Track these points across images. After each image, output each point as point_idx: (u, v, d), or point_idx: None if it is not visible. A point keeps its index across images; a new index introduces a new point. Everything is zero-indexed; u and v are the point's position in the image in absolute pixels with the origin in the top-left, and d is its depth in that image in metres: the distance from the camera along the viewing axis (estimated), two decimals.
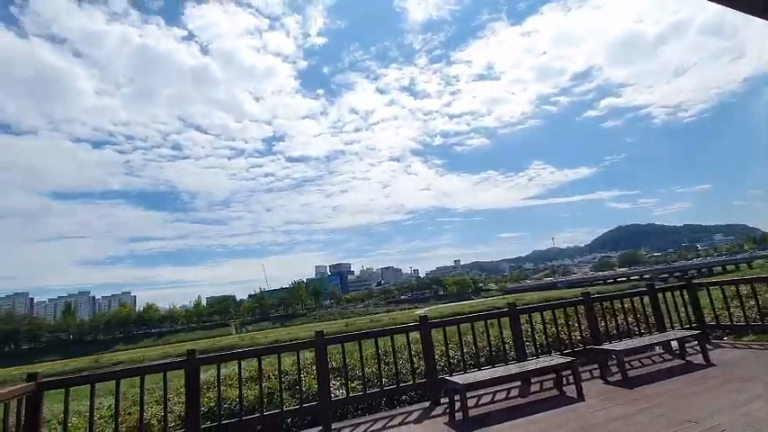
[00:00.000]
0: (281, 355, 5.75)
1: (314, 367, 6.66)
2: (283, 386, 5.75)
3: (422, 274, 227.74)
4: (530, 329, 7.34)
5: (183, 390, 6.98)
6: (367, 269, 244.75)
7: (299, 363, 5.77)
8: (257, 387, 5.78)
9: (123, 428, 5.45)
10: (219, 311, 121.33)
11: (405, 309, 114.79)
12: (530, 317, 7.79)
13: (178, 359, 5.58)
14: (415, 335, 6.26)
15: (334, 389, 6.06)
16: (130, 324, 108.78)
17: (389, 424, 5.14)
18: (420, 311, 72.26)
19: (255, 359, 5.70)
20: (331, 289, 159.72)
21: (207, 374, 6.08)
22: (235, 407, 5.79)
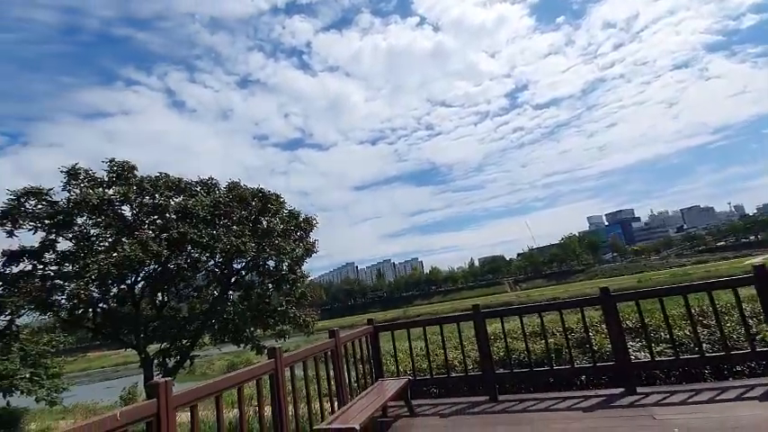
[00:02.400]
0: (563, 311, 5.54)
1: (602, 326, 6.14)
2: (570, 343, 5.55)
3: (748, 210, 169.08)
4: None
5: (473, 339, 7.77)
6: (659, 213, 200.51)
7: (584, 320, 5.42)
8: (542, 342, 5.86)
9: (434, 365, 6.60)
10: (492, 271, 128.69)
11: (727, 258, 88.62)
12: None
13: (466, 312, 6.27)
14: (748, 291, 4.77)
15: (633, 351, 5.39)
16: (422, 284, 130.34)
17: (719, 397, 4.15)
18: (756, 260, 53.29)
19: (536, 315, 5.76)
20: (611, 240, 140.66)
21: (491, 327, 6.60)
22: (523, 358, 6.03)
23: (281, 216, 11.50)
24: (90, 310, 10.11)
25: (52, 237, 10.02)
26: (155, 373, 10.22)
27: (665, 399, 4.34)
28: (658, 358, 4.99)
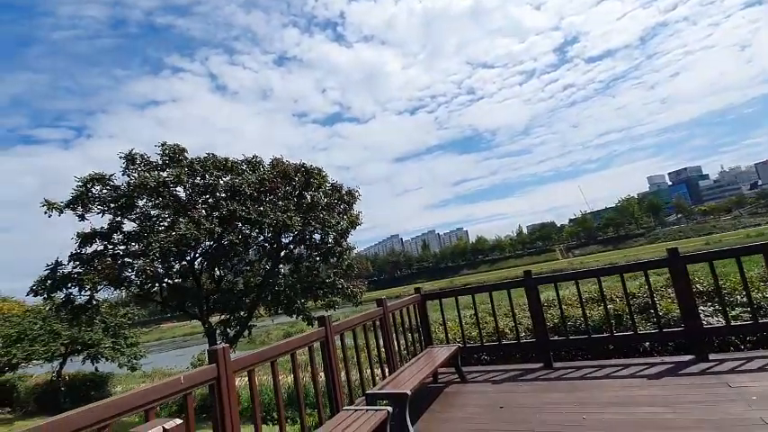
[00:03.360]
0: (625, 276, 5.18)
1: (668, 290, 5.71)
2: (633, 309, 5.21)
3: None
4: None
5: (524, 306, 7.55)
6: (730, 169, 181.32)
7: (649, 283, 5.05)
8: (600, 308, 5.56)
9: (484, 332, 6.50)
10: (541, 238, 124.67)
11: None
12: None
13: (517, 279, 6.06)
14: None
15: (704, 316, 4.98)
16: (468, 254, 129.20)
17: None
18: None
19: (593, 281, 5.43)
20: (675, 201, 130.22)
21: (544, 295, 6.33)
22: (579, 325, 5.78)
23: (324, 190, 11.62)
24: (157, 284, 10.94)
25: (118, 219, 10.82)
26: (218, 342, 10.97)
27: (740, 366, 4.00)
28: (734, 323, 4.57)
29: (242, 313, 11.25)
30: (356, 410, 3.44)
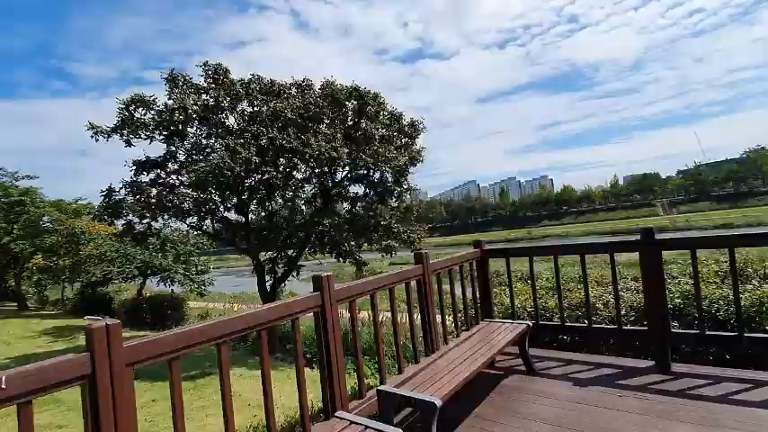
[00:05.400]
0: None
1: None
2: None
3: None
4: None
5: (628, 278, 5.53)
6: None
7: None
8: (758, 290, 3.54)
9: (566, 303, 4.86)
10: (641, 191, 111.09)
11: None
12: None
13: (627, 240, 4.14)
14: None
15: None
16: (551, 203, 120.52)
17: None
18: None
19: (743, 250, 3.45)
20: None
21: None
22: (715, 311, 3.85)
23: (382, 119, 9.95)
24: (208, 217, 10.57)
25: (173, 148, 10.41)
26: (266, 280, 10.52)
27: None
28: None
29: (290, 252, 10.56)
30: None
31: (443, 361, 3.21)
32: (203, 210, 10.11)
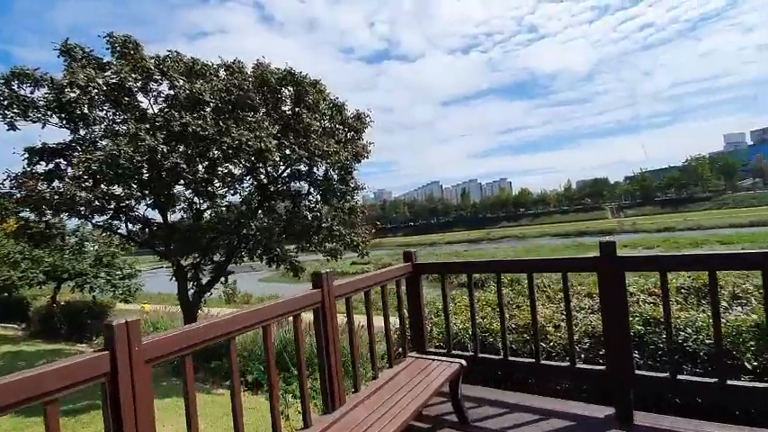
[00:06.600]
0: None
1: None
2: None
3: None
4: None
5: (585, 298, 4.86)
6: None
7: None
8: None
9: (513, 323, 4.26)
10: (592, 195, 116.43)
11: None
12: None
13: (583, 257, 3.38)
14: None
15: None
16: (510, 205, 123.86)
17: None
18: None
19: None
20: (755, 164, 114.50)
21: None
22: (689, 340, 3.17)
23: (323, 109, 8.89)
24: (121, 215, 9.11)
25: (81, 134, 8.86)
26: (188, 287, 9.19)
27: None
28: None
29: (217, 257, 9.29)
30: None
31: (350, 419, 2.37)
32: (110, 207, 8.64)
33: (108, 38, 8.07)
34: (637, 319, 3.74)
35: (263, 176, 10.10)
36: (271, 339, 2.28)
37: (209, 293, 9.62)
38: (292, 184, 10.70)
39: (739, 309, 3.74)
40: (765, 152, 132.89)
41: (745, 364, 3.10)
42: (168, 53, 8.29)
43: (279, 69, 8.44)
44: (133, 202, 8.94)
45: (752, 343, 3.17)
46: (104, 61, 8.15)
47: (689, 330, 3.44)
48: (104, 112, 9.00)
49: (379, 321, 3.32)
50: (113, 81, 7.69)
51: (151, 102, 8.66)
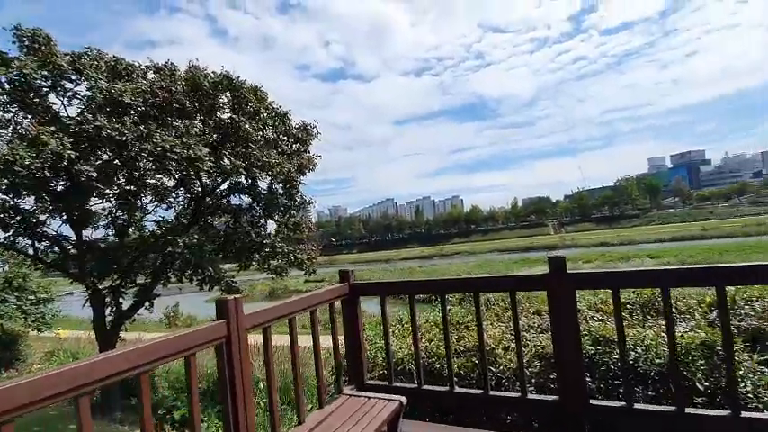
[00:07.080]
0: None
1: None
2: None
3: None
4: None
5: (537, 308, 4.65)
6: (735, 156, 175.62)
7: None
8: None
9: (462, 345, 4.07)
10: (536, 212, 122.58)
11: None
12: None
13: (532, 274, 3.12)
14: None
15: None
16: (461, 222, 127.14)
17: None
18: None
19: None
20: (675, 185, 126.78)
21: None
22: (640, 360, 2.95)
23: (264, 118, 8.34)
24: (24, 231, 7.89)
25: None
26: (106, 314, 8.08)
27: None
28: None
29: (141, 279, 8.30)
30: None
31: None
32: (13, 222, 7.47)
33: (15, 30, 7.08)
34: (586, 338, 3.54)
35: (197, 188, 9.29)
36: (148, 393, 1.74)
37: (131, 319, 8.52)
38: (233, 198, 9.98)
39: (684, 324, 3.67)
40: (682, 175, 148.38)
41: (697, 384, 2.95)
42: (86, 50, 7.41)
43: (215, 73, 7.82)
44: (43, 217, 7.82)
45: (701, 362, 3.04)
46: (9, 56, 7.12)
47: (638, 350, 3.27)
48: (11, 114, 7.87)
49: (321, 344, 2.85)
50: (15, 78, 6.69)
51: (65, 103, 7.68)
